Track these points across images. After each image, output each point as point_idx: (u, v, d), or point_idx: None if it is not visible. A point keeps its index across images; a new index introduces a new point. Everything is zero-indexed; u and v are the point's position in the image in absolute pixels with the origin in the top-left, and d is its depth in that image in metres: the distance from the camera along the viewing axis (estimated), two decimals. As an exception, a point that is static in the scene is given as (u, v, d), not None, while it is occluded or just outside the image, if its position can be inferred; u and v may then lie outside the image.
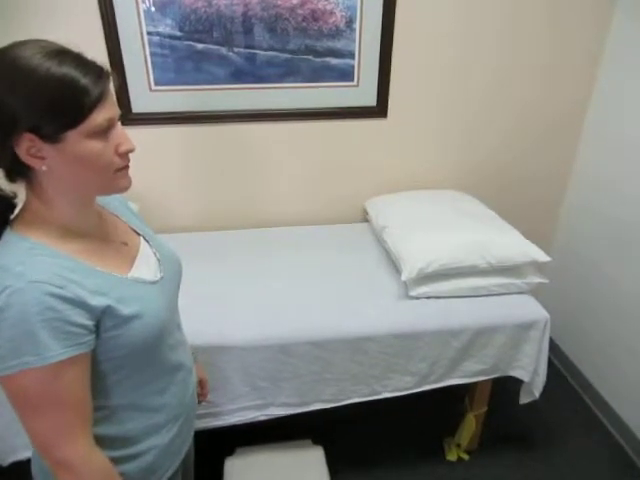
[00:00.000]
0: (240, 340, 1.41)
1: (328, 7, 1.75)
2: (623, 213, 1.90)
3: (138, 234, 0.93)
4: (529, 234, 1.68)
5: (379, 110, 1.95)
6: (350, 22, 1.78)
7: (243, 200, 2.07)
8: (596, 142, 2.05)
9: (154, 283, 0.86)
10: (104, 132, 0.71)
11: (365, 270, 1.73)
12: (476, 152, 2.11)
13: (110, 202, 0.92)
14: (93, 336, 0.73)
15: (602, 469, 1.85)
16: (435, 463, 1.85)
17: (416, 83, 1.93)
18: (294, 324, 1.46)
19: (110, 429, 0.83)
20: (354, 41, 1.81)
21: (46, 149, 0.68)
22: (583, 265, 2.16)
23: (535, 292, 1.66)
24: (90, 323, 0.71)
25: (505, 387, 1.76)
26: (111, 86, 0.72)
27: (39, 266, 0.68)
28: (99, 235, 0.82)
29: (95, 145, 0.70)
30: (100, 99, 0.69)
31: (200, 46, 1.75)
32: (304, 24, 1.76)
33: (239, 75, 1.82)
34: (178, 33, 1.72)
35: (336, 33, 1.79)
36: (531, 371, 1.63)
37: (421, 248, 1.58)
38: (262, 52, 1.79)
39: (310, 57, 1.82)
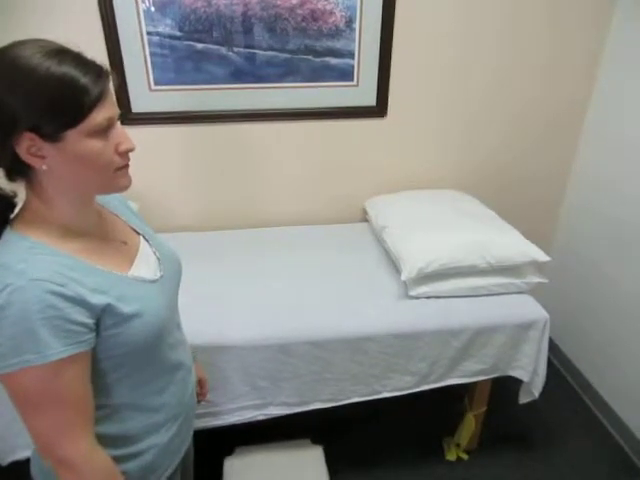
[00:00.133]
0: (240, 340, 1.41)
1: (328, 7, 1.75)
2: (623, 213, 1.90)
3: (138, 233, 0.93)
4: (529, 234, 1.68)
5: (379, 110, 1.95)
6: (350, 22, 1.78)
7: (243, 200, 2.07)
8: (596, 142, 2.05)
9: (154, 282, 0.86)
10: (104, 131, 0.71)
11: (365, 270, 1.73)
12: (476, 152, 2.11)
13: (110, 201, 0.92)
14: (93, 334, 0.73)
15: (601, 469, 1.85)
16: (434, 463, 1.85)
17: (416, 83, 1.93)
18: (294, 324, 1.46)
19: (110, 428, 0.83)
20: (354, 41, 1.81)
21: (46, 148, 0.68)
22: (583, 265, 2.16)
23: (535, 292, 1.66)
24: (90, 321, 0.72)
25: (505, 387, 1.76)
26: (111, 85, 0.72)
27: (40, 264, 0.68)
28: (99, 234, 0.82)
29: (95, 144, 0.71)
30: (100, 98, 0.69)
31: (200, 46, 1.75)
32: (304, 24, 1.76)
33: (239, 75, 1.82)
34: (178, 33, 1.72)
35: (336, 33, 1.79)
36: (530, 371, 1.63)
37: (421, 248, 1.58)
38: (262, 52, 1.79)
39: (310, 57, 1.82)
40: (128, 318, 0.76)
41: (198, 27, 1.72)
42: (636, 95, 1.81)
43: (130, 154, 0.77)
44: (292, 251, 1.85)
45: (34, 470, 0.90)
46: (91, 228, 0.81)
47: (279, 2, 1.72)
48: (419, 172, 2.11)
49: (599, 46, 1.94)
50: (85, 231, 0.79)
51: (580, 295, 2.19)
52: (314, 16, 1.76)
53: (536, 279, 1.63)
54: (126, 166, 0.77)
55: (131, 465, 0.86)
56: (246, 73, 1.82)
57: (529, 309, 1.59)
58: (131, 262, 0.85)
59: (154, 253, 0.92)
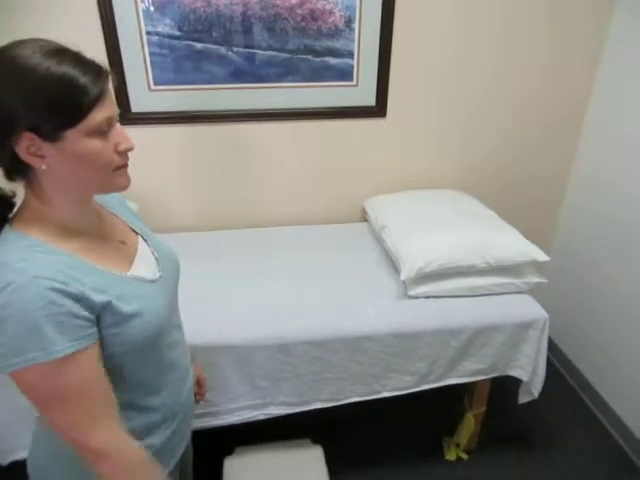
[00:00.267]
0: (240, 340, 1.41)
1: (327, 7, 1.75)
2: (623, 213, 1.90)
3: (136, 233, 0.93)
4: (529, 234, 1.68)
5: (378, 110, 1.95)
6: (349, 22, 1.78)
7: (242, 200, 2.07)
8: (596, 142, 2.05)
9: (153, 282, 0.86)
10: (103, 131, 0.71)
11: (364, 270, 1.73)
12: (475, 152, 2.11)
13: (109, 201, 0.92)
14: (96, 329, 0.73)
15: (601, 469, 1.85)
16: (434, 462, 1.86)
17: (415, 83, 1.93)
18: (293, 324, 1.46)
19: None
20: (353, 41, 1.81)
21: (46, 148, 0.68)
22: (582, 265, 2.16)
23: (534, 292, 1.66)
24: (92, 317, 0.72)
25: (504, 387, 1.76)
26: (110, 85, 0.72)
27: (40, 263, 0.68)
28: (97, 234, 0.82)
29: (94, 144, 0.71)
30: (99, 98, 0.69)
31: (199, 46, 1.75)
32: (303, 24, 1.76)
33: (238, 75, 1.82)
34: (177, 33, 1.72)
35: (335, 33, 1.79)
36: (530, 371, 1.63)
37: (420, 248, 1.58)
38: (261, 52, 1.79)
39: (309, 57, 1.82)
40: (128, 317, 0.76)
41: (197, 27, 1.72)
42: (635, 95, 1.81)
43: (129, 154, 0.77)
44: (292, 251, 1.85)
45: (30, 469, 0.91)
46: (90, 227, 0.81)
47: (278, 2, 1.72)
48: (418, 172, 2.11)
49: (598, 46, 1.94)
50: (84, 230, 0.79)
51: (580, 295, 2.19)
52: (313, 16, 1.76)
53: (535, 279, 1.63)
54: (125, 166, 0.77)
55: None
56: (245, 73, 1.82)
57: (528, 309, 1.59)
58: (130, 262, 0.85)
59: (152, 253, 0.92)
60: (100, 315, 0.73)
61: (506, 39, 1.89)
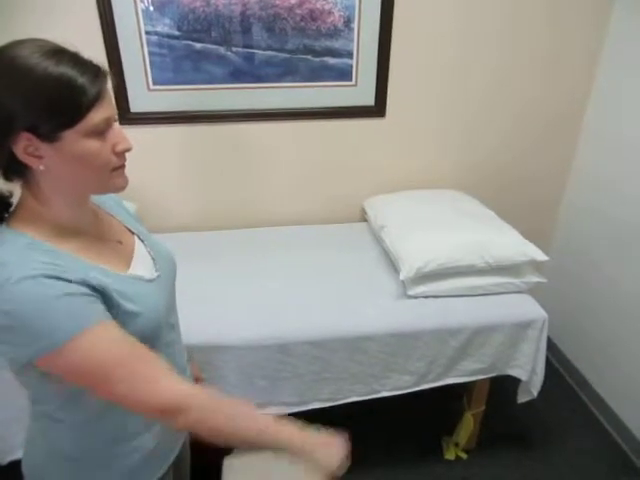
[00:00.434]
0: (238, 340, 1.41)
1: (326, 7, 1.75)
2: (622, 212, 1.90)
3: (133, 233, 0.93)
4: (528, 234, 1.68)
5: (377, 110, 1.95)
6: (348, 22, 1.78)
7: (241, 199, 2.07)
8: (595, 141, 2.05)
9: (151, 281, 0.86)
10: (101, 131, 0.71)
11: (364, 270, 1.73)
12: (475, 152, 2.11)
13: (105, 201, 0.92)
14: (104, 306, 0.73)
15: (600, 468, 1.85)
16: (433, 462, 1.86)
17: (414, 82, 1.93)
18: (293, 324, 1.46)
19: (105, 427, 0.83)
20: (352, 41, 1.81)
21: (43, 148, 0.68)
22: (582, 264, 2.16)
23: (533, 291, 1.66)
24: (97, 294, 0.72)
25: (503, 386, 1.76)
26: (109, 85, 0.72)
27: (41, 257, 0.68)
28: (95, 234, 0.82)
29: (92, 144, 0.70)
30: (97, 98, 0.69)
31: (198, 46, 1.75)
32: (302, 24, 1.76)
33: (237, 75, 1.82)
34: (176, 32, 1.72)
35: (334, 33, 1.79)
36: (529, 370, 1.63)
37: (419, 247, 1.58)
38: (260, 52, 1.79)
39: (308, 57, 1.82)
40: (127, 315, 0.76)
41: (197, 27, 1.72)
42: (635, 94, 1.81)
43: (128, 154, 0.77)
44: (291, 251, 1.85)
45: (25, 468, 0.92)
46: (87, 228, 0.81)
47: (278, 2, 1.72)
48: (418, 172, 2.11)
49: (598, 45, 1.94)
50: (81, 231, 0.79)
51: (579, 294, 2.19)
52: (313, 16, 1.76)
53: (535, 279, 1.63)
54: (122, 166, 0.77)
55: (122, 464, 0.87)
56: (245, 73, 1.82)
57: (528, 308, 1.59)
58: (128, 262, 0.85)
59: (149, 253, 0.92)
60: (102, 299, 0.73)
61: (506, 38, 1.89)
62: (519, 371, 1.64)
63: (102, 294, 0.73)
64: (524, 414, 2.02)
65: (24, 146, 0.67)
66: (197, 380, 1.19)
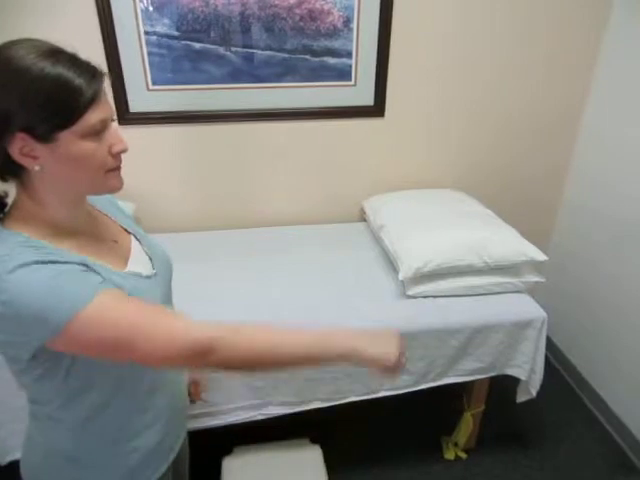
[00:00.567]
0: (237, 339, 1.41)
1: (325, 7, 1.75)
2: (621, 212, 1.90)
3: (128, 233, 0.93)
4: (527, 233, 1.68)
5: (376, 109, 1.95)
6: (347, 22, 1.78)
7: (240, 199, 2.07)
8: (594, 141, 2.05)
9: (149, 277, 0.86)
10: (98, 132, 0.71)
11: (363, 269, 1.73)
12: (474, 151, 2.11)
13: (100, 201, 0.92)
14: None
15: (599, 467, 1.85)
16: (433, 462, 1.86)
17: (413, 82, 1.93)
18: (291, 324, 1.46)
19: (102, 426, 0.84)
20: (351, 41, 1.81)
21: (39, 149, 0.68)
22: (581, 264, 2.16)
23: (532, 291, 1.66)
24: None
25: (502, 386, 1.76)
26: (106, 86, 0.72)
27: (38, 251, 0.68)
28: (90, 234, 0.82)
29: (88, 145, 0.70)
30: (94, 99, 0.69)
31: (197, 46, 1.75)
32: (301, 24, 1.76)
33: (236, 75, 1.82)
34: (175, 33, 1.72)
35: (333, 33, 1.79)
36: (528, 369, 1.63)
37: (418, 247, 1.58)
38: (259, 52, 1.79)
39: (307, 57, 1.82)
40: None
41: (196, 27, 1.72)
42: (633, 94, 1.81)
43: (126, 154, 0.77)
44: (290, 251, 1.86)
45: (24, 468, 0.92)
46: (83, 227, 0.81)
47: (277, 2, 1.72)
48: (417, 172, 2.11)
49: (597, 45, 1.94)
50: (77, 230, 0.79)
51: (578, 294, 2.19)
52: (312, 16, 1.76)
53: (534, 278, 1.63)
54: (118, 168, 0.77)
55: (121, 464, 0.87)
56: (244, 73, 1.82)
57: (527, 308, 1.59)
58: (125, 260, 0.85)
59: (145, 252, 0.92)
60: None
61: (505, 38, 1.89)
62: (518, 371, 1.64)
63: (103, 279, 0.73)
64: (523, 414, 2.02)
65: (20, 147, 0.67)
66: (195, 381, 1.19)
